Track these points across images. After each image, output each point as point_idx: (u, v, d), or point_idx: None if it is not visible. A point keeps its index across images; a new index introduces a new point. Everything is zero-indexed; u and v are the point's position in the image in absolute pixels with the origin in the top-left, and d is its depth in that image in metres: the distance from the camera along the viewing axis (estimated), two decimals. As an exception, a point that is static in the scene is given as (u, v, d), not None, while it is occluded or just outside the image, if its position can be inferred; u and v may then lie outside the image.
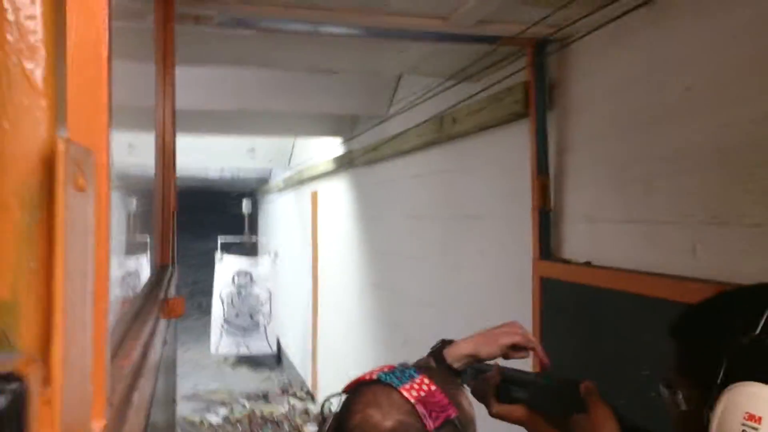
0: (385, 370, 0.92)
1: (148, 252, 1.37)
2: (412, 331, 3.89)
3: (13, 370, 0.26)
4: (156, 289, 1.17)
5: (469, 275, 3.07)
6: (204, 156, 7.63)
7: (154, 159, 1.58)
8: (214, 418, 6.55)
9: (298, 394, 7.27)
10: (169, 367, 1.61)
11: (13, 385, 0.25)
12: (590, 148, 2.12)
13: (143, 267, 1.16)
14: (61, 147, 0.29)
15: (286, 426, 6.29)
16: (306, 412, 6.57)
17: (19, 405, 0.25)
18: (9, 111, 0.28)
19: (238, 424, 6.38)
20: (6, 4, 0.28)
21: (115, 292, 0.81)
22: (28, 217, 0.28)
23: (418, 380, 0.89)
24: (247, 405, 6.97)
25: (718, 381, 0.83)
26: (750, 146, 1.48)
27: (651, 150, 1.82)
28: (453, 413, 0.87)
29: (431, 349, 1.26)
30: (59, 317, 0.27)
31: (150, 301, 1.02)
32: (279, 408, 6.82)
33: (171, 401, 1.84)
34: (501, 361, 1.32)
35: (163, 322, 1.17)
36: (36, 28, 0.29)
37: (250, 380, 8.26)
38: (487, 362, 1.35)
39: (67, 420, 0.29)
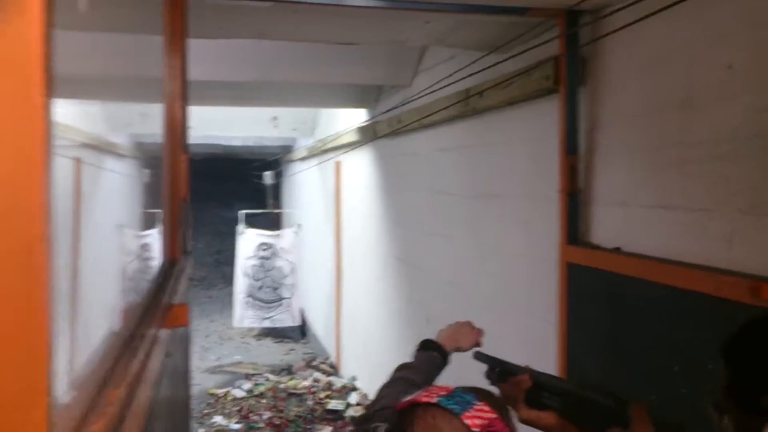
0: (442, 393, 0.93)
1: (153, 249, 1.31)
2: (435, 308, 3.83)
3: None
4: (160, 294, 1.10)
5: (492, 256, 2.99)
6: (227, 125, 7.59)
7: (161, 136, 1.51)
8: (238, 392, 6.62)
9: (322, 367, 7.30)
10: (178, 380, 1.54)
11: None
12: (623, 127, 2.00)
13: (143, 243, 1.10)
14: None
15: (309, 400, 6.33)
16: (329, 386, 6.60)
17: None
18: None
19: (262, 398, 6.43)
20: None
21: (107, 297, 0.75)
22: None
23: (477, 407, 0.90)
24: (271, 378, 7.02)
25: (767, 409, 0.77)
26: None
27: (688, 132, 1.70)
28: None
29: (418, 347, 1.49)
30: None
31: (151, 311, 0.95)
32: (303, 381, 6.86)
33: (183, 407, 1.78)
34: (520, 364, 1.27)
35: (167, 333, 1.11)
36: None
37: (274, 352, 8.32)
38: (517, 365, 1.31)
39: None
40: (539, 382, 1.25)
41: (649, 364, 1.75)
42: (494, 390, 1.13)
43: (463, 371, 1.49)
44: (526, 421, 1.25)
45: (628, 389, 1.70)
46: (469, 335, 1.57)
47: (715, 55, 1.60)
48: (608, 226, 2.07)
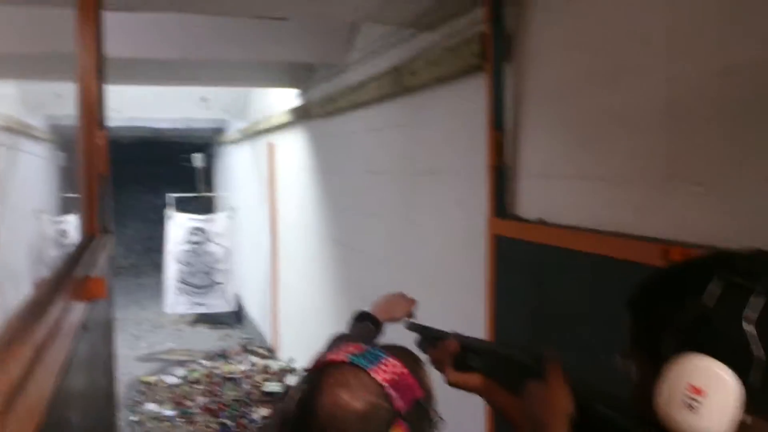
0: (352, 350, 0.93)
1: (70, 235, 1.26)
2: (372, 288, 3.86)
3: None
4: (74, 265, 1.06)
5: (425, 232, 3.03)
6: (154, 106, 7.36)
7: (76, 112, 1.45)
8: (172, 379, 6.49)
9: (259, 351, 7.25)
10: (99, 359, 1.49)
11: None
12: (547, 103, 2.06)
13: (60, 229, 1.06)
14: None
15: (246, 384, 6.27)
16: (266, 369, 6.56)
17: None
18: None
19: (197, 384, 6.34)
20: None
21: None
22: None
23: (386, 362, 0.90)
24: (206, 364, 6.92)
25: (667, 353, 0.83)
26: (701, 102, 1.44)
27: (607, 105, 1.76)
28: (420, 394, 0.91)
29: (353, 318, 1.45)
30: None
31: (61, 284, 0.92)
32: (239, 366, 6.79)
33: (107, 381, 1.73)
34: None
35: (81, 306, 1.07)
36: None
37: (209, 338, 8.19)
38: (445, 331, 1.34)
39: None
40: (465, 346, 1.28)
41: (570, 329, 1.82)
42: (423, 356, 1.12)
43: (398, 341, 1.51)
44: (454, 384, 1.28)
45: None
46: (402, 305, 1.59)
47: (633, 29, 1.66)
48: (533, 199, 2.13)
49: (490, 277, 2.26)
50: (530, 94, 2.15)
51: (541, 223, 2.04)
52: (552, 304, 1.95)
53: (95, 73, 1.49)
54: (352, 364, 0.90)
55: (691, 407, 0.80)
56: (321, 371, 0.91)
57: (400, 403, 0.87)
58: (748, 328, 0.78)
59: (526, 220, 2.12)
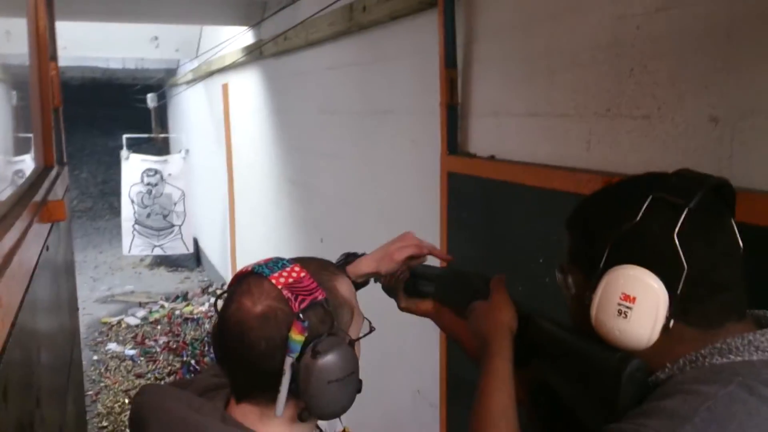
0: (261, 262, 0.96)
1: (27, 153, 1.27)
2: (329, 228, 3.91)
3: None
4: (32, 191, 1.08)
5: (381, 172, 3.08)
6: (103, 45, 7.10)
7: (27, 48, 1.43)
8: (132, 320, 6.51)
9: (218, 293, 7.30)
10: (63, 273, 1.53)
11: None
12: (497, 40, 2.10)
13: (16, 170, 1.07)
14: None
15: (206, 323, 6.35)
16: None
17: None
18: None
19: (158, 325, 6.38)
20: None
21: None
22: None
23: (288, 269, 0.94)
24: (167, 306, 6.95)
25: (601, 266, 0.88)
26: (643, 39, 1.49)
27: (554, 43, 1.81)
28: (320, 296, 0.92)
29: (336, 262, 1.27)
30: None
31: (21, 205, 0.94)
32: (199, 307, 6.85)
33: (70, 307, 1.77)
34: None
35: (43, 227, 1.09)
36: None
37: (169, 281, 8.20)
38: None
39: None
40: (415, 273, 1.34)
41: (518, 259, 1.92)
42: (346, 277, 1.07)
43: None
44: (405, 309, 1.34)
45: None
46: (389, 257, 1.32)
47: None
48: (484, 136, 2.19)
49: (443, 212, 2.33)
50: (481, 32, 2.17)
51: (492, 159, 2.10)
52: (502, 238, 2.04)
53: (44, 6, 1.46)
54: (254, 273, 0.94)
55: (622, 313, 0.86)
56: (233, 284, 0.95)
57: (296, 304, 0.89)
58: (678, 241, 0.83)
59: (478, 157, 2.18)
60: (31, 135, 1.46)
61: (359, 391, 0.96)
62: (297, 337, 0.88)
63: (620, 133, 1.58)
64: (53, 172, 1.36)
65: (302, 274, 0.94)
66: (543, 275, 1.79)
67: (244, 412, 0.94)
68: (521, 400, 1.07)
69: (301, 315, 0.89)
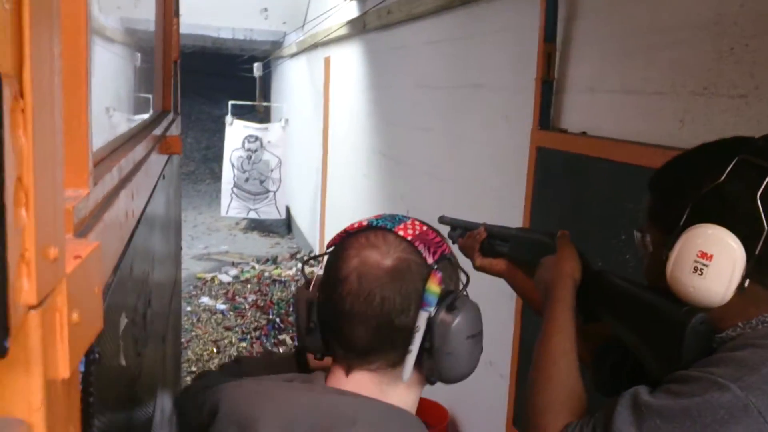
0: (376, 217, 0.90)
1: (150, 97, 1.41)
2: (416, 201, 3.99)
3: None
4: (153, 126, 1.22)
5: (469, 146, 3.11)
6: (216, 14, 7.45)
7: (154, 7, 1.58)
8: (225, 277, 6.89)
9: (305, 258, 7.57)
10: (170, 222, 1.68)
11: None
12: (599, 17, 2.08)
13: (142, 107, 1.20)
14: None
15: (293, 286, 6.62)
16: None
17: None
18: None
19: (248, 284, 6.72)
20: None
21: (108, 116, 0.87)
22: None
23: (409, 222, 0.88)
24: (257, 267, 7.29)
25: (681, 224, 0.90)
26: (746, 16, 1.46)
27: (653, 20, 1.79)
28: (447, 249, 0.88)
29: None
30: (27, 49, 0.33)
31: (145, 135, 1.07)
32: (287, 271, 7.14)
33: (176, 256, 1.93)
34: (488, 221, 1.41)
35: (161, 158, 1.24)
36: None
37: (261, 245, 8.57)
38: (475, 222, 1.44)
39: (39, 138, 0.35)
40: (493, 234, 1.40)
41: (602, 234, 1.92)
42: (454, 247, 1.09)
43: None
44: (480, 268, 1.40)
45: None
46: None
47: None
48: (577, 112, 2.19)
49: (528, 187, 2.35)
50: (583, 7, 2.16)
51: (584, 135, 2.10)
52: (585, 213, 2.04)
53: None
54: (374, 226, 0.87)
55: (698, 270, 0.87)
56: (342, 242, 0.88)
57: (429, 256, 0.84)
58: (761, 202, 0.84)
59: (569, 132, 2.18)
60: (151, 96, 1.61)
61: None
62: (435, 288, 0.82)
63: (715, 113, 1.56)
64: (170, 115, 1.51)
65: (424, 228, 0.89)
66: (624, 251, 1.79)
67: (358, 385, 0.85)
68: (584, 359, 1.11)
69: (436, 266, 0.84)
